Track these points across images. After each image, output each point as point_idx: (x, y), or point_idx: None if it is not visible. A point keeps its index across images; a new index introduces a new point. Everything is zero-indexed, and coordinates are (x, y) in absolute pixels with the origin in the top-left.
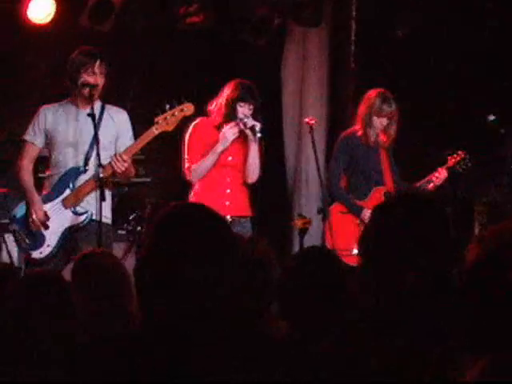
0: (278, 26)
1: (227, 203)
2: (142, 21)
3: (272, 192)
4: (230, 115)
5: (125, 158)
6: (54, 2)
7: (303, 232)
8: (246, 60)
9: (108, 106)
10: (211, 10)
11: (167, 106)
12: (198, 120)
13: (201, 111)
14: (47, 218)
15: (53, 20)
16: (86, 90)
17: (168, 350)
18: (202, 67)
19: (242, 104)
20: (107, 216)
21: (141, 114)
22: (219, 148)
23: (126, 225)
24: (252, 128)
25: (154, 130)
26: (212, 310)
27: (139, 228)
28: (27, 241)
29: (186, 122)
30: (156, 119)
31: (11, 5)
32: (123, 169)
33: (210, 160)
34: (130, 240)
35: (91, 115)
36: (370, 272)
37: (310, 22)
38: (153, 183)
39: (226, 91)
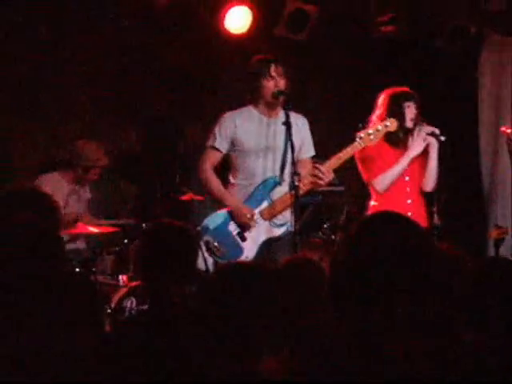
0: (474, 33)
1: (410, 214)
2: (334, 30)
3: (467, 201)
4: (398, 118)
5: (329, 170)
6: (250, 12)
7: (499, 242)
8: (440, 68)
9: (291, 114)
10: (405, 19)
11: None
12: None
13: None
14: (252, 212)
15: (249, 30)
16: (280, 99)
17: (359, 354)
18: (393, 75)
19: (408, 104)
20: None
21: (338, 124)
22: (410, 155)
23: (320, 233)
24: (433, 134)
25: (358, 145)
26: (404, 316)
27: (333, 237)
28: (224, 252)
29: None
30: (359, 134)
31: (209, 16)
32: (327, 181)
33: (399, 168)
34: (325, 248)
35: (286, 123)
36: None
37: (509, 31)
38: (347, 192)
39: (385, 99)
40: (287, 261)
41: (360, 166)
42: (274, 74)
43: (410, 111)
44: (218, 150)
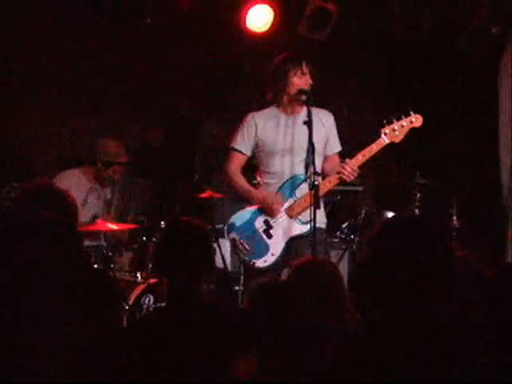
0: (496, 34)
1: None
2: (356, 29)
3: (486, 198)
4: None
5: (354, 167)
6: (272, 11)
7: None
8: (462, 67)
9: (315, 110)
10: (428, 20)
11: (394, 117)
12: None
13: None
14: (280, 201)
15: (270, 28)
16: (303, 97)
17: (386, 351)
18: (415, 76)
19: None
20: (323, 221)
21: (358, 122)
22: None
23: (338, 233)
24: None
25: (382, 141)
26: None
27: (352, 236)
28: (249, 249)
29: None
30: (383, 130)
31: (230, 14)
32: (352, 178)
33: None
34: (343, 248)
35: (307, 123)
36: None
37: None
38: (366, 192)
39: None
40: (297, 264)
41: None
42: (306, 71)
43: None
44: (241, 152)
